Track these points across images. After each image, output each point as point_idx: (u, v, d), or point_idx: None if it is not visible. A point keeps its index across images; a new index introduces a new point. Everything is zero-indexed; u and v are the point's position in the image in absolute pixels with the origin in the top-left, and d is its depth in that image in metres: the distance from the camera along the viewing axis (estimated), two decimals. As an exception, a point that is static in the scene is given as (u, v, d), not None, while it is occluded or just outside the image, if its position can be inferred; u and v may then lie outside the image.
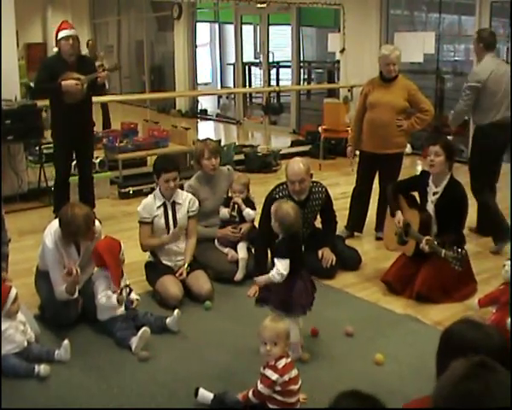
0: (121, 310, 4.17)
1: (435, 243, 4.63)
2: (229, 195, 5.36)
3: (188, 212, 4.92)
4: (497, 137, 5.84)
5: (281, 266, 3.76)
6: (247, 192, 5.35)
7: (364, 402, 1.77)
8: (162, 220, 4.82)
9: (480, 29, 6.75)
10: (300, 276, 3.85)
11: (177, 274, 4.78)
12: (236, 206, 5.22)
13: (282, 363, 3.16)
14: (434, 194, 4.92)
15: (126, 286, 4.22)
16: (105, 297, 4.12)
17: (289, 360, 3.22)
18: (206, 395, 3.38)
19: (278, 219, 3.87)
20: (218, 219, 5.33)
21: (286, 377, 3.15)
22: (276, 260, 3.82)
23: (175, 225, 4.84)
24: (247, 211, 5.26)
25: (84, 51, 11.56)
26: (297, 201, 5.08)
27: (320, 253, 5.22)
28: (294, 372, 3.20)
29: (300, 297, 3.82)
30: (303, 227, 5.18)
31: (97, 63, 10.84)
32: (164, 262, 4.88)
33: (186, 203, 4.91)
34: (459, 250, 4.46)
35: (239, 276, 5.10)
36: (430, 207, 4.93)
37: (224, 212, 5.25)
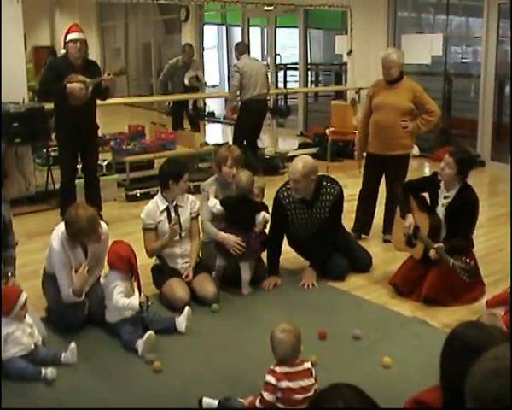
0: (131, 311, 4.17)
1: (444, 250, 4.60)
2: None
3: (190, 213, 4.92)
4: (253, 107, 8.76)
5: (216, 206, 4.94)
6: (262, 197, 5.29)
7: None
8: (166, 225, 4.79)
9: (236, 43, 9.69)
10: (239, 232, 4.87)
11: (183, 276, 4.78)
12: None
13: (283, 369, 3.15)
14: (446, 198, 4.87)
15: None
16: (125, 299, 4.11)
17: (297, 369, 3.19)
18: (210, 402, 3.36)
19: (235, 182, 4.96)
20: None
21: (283, 384, 3.13)
22: (218, 204, 4.93)
23: (180, 229, 4.83)
24: (264, 214, 5.17)
25: (176, 56, 10.61)
26: (304, 200, 5.06)
27: (302, 274, 5.21)
28: (303, 383, 3.18)
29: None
30: (310, 226, 5.17)
31: (191, 73, 10.13)
32: (170, 265, 4.88)
33: (188, 205, 4.91)
34: (467, 261, 4.42)
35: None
36: (441, 211, 4.88)
37: None
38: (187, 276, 4.78)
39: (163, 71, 10.43)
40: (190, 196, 4.97)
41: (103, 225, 4.41)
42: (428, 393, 2.38)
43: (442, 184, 4.89)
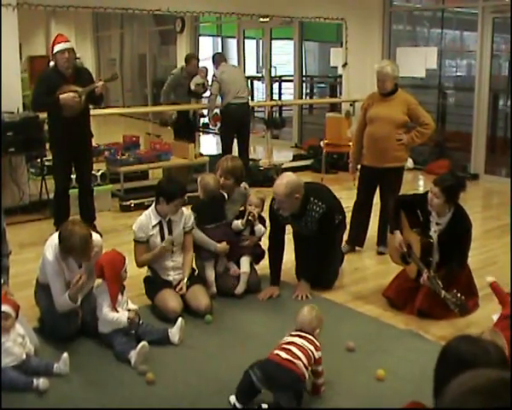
0: (124, 322, 4.15)
1: (437, 280, 4.56)
2: (243, 209, 5.34)
3: (184, 228, 4.88)
4: (233, 111, 8.94)
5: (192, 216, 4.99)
6: (262, 209, 5.31)
7: None
8: (158, 239, 4.78)
9: (213, 54, 9.94)
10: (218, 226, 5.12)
11: (176, 289, 4.76)
12: (251, 216, 5.19)
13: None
14: (438, 224, 4.83)
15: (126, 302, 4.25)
16: (114, 314, 4.11)
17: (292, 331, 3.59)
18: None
19: (201, 186, 5.12)
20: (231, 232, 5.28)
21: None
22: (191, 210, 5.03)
23: (172, 245, 4.81)
24: (260, 227, 5.24)
25: (171, 67, 10.57)
26: (292, 214, 5.07)
27: (296, 291, 5.18)
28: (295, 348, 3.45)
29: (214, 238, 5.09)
30: (303, 232, 5.22)
31: (199, 80, 9.73)
32: (162, 277, 4.87)
33: (182, 219, 4.87)
34: (458, 295, 4.38)
35: (240, 289, 5.08)
36: (433, 237, 4.84)
37: (237, 223, 5.20)
38: (180, 289, 4.77)
39: (167, 81, 10.18)
40: (185, 210, 4.93)
41: (96, 237, 4.40)
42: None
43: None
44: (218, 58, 9.49)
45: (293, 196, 4.88)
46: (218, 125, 10.22)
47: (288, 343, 3.46)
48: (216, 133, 15.38)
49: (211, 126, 10.87)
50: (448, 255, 4.79)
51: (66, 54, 6.13)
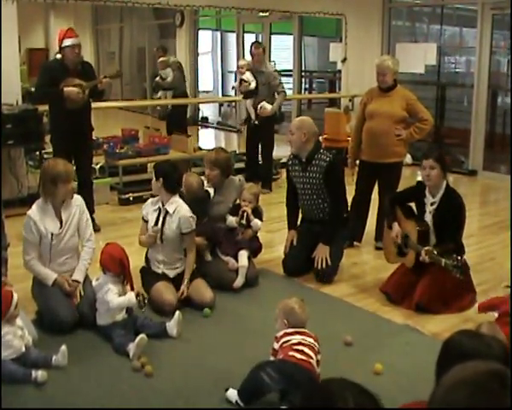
0: (122, 315, 4.17)
1: (434, 252, 4.62)
2: (238, 203, 5.36)
3: (180, 229, 4.77)
4: None
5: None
6: (257, 203, 5.35)
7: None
8: (151, 224, 4.81)
9: (257, 42, 9.53)
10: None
11: (178, 294, 4.70)
12: (245, 214, 5.20)
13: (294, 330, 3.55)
14: (432, 204, 4.90)
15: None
16: (120, 298, 4.15)
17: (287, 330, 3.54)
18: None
19: (185, 187, 5.13)
20: (223, 226, 5.30)
21: (294, 338, 3.48)
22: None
23: (161, 234, 4.79)
24: (256, 222, 5.25)
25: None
26: (301, 162, 5.42)
27: (315, 252, 5.32)
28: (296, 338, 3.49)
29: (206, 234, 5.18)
30: (307, 189, 5.45)
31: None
32: (152, 268, 4.88)
33: (176, 219, 4.77)
34: (458, 258, 4.43)
35: (238, 283, 5.09)
36: (428, 218, 4.91)
37: (232, 220, 5.22)
38: (182, 293, 4.71)
39: None
40: (181, 211, 4.77)
41: (76, 195, 4.55)
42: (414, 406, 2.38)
43: (427, 191, 4.92)
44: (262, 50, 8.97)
45: (302, 131, 5.35)
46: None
47: (297, 344, 3.46)
48: (214, 127, 15.39)
49: (240, 127, 10.73)
50: (443, 236, 4.84)
51: (77, 49, 6.17)
